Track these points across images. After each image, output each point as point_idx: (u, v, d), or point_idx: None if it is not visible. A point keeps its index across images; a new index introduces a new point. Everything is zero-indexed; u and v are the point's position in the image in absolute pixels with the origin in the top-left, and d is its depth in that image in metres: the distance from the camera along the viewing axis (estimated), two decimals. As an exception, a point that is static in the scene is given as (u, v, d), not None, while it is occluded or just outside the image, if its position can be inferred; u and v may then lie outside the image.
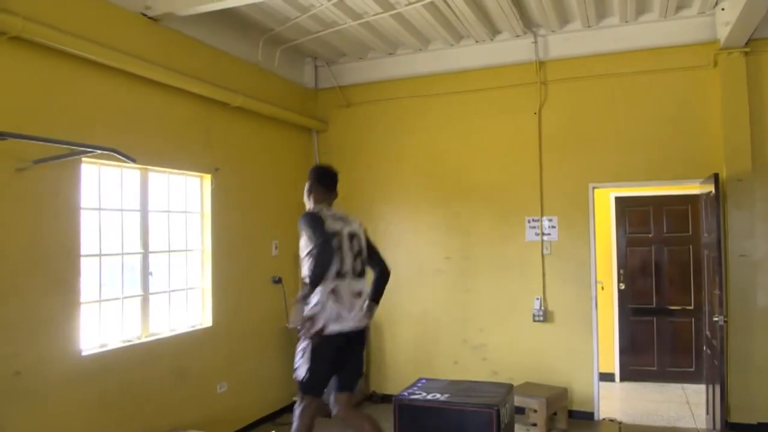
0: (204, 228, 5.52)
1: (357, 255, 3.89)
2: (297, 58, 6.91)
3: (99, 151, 3.85)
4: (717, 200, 4.97)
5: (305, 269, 3.70)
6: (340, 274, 3.75)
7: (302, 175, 6.91)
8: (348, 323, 3.73)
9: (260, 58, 6.13)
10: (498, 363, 6.30)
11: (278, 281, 6.26)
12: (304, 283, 3.63)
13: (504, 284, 6.34)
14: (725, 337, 4.96)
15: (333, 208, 4.02)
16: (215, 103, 5.49)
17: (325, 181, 4.05)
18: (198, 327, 5.37)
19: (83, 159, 4.15)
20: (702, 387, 5.95)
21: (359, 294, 3.84)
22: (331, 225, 3.80)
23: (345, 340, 3.74)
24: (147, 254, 4.91)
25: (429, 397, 4.20)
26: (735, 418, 5.35)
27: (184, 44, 5.21)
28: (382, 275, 4.04)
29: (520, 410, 5.32)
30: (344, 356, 3.80)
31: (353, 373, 3.91)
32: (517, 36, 6.24)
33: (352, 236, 3.91)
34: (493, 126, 6.45)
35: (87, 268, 4.30)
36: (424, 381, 4.75)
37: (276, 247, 6.35)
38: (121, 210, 4.74)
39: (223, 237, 5.62)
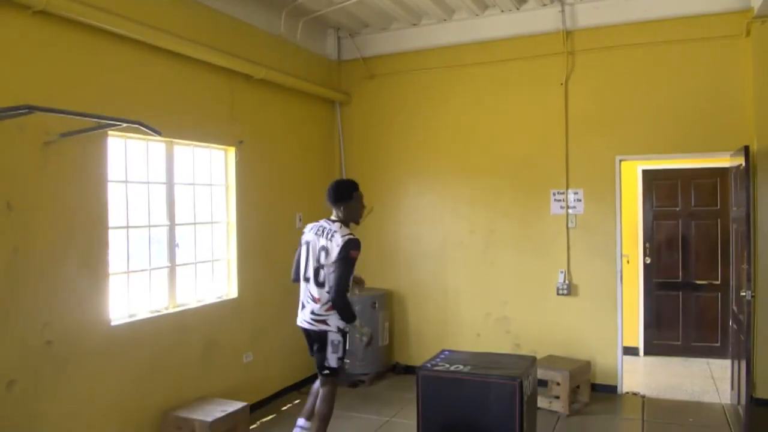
0: (229, 200, 5.56)
1: (320, 267, 4.24)
2: (319, 29, 6.86)
3: (124, 124, 3.87)
4: (747, 173, 4.86)
5: None
6: (303, 278, 4.38)
7: (325, 147, 7.02)
8: (299, 320, 4.40)
9: (283, 30, 6.09)
10: (521, 336, 6.31)
11: (302, 253, 6.30)
12: None
13: (528, 257, 6.32)
14: (752, 312, 4.89)
15: (333, 222, 4.33)
16: (239, 76, 5.49)
17: (329, 196, 4.39)
18: (224, 298, 5.45)
19: (109, 132, 4.18)
20: (727, 362, 5.91)
21: (314, 300, 4.26)
22: (306, 236, 4.41)
23: (306, 332, 4.39)
24: (173, 226, 4.97)
25: (452, 368, 4.22)
26: (760, 393, 5.29)
27: (208, 16, 5.20)
28: (331, 301, 4.19)
29: (543, 383, 5.34)
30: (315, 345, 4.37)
31: (318, 361, 4.35)
32: (544, 5, 6.11)
33: (322, 249, 4.23)
34: (519, 97, 6.37)
35: (115, 240, 4.37)
36: (447, 353, 4.77)
37: (300, 219, 6.38)
38: (147, 183, 4.78)
39: (247, 209, 5.66)
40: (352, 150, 7.16)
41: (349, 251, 4.12)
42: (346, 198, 4.35)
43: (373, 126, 7.05)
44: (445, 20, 6.55)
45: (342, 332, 4.25)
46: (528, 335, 6.28)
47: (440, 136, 6.71)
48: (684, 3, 5.65)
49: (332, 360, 4.25)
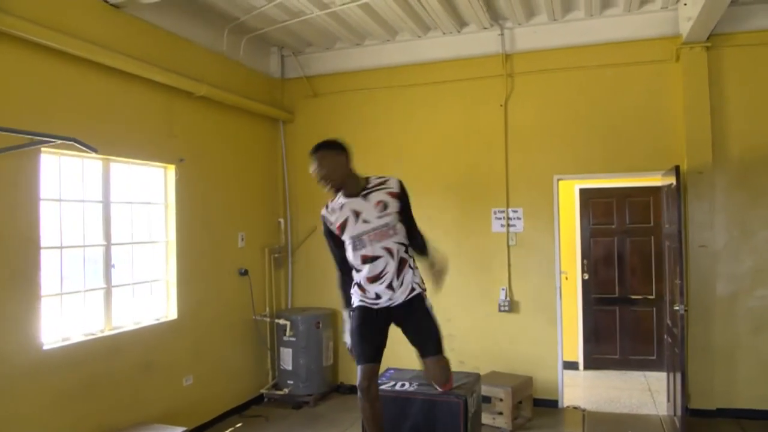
0: (168, 220, 5.43)
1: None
2: (263, 47, 6.82)
3: (58, 141, 3.74)
4: (678, 192, 5.06)
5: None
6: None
7: (268, 165, 6.95)
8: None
9: (225, 48, 6.03)
10: (465, 353, 6.34)
11: (245, 273, 6.22)
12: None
13: (470, 275, 6.38)
14: (685, 325, 5.07)
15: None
16: (179, 93, 5.40)
17: None
18: (163, 320, 5.29)
19: (42, 149, 4.04)
20: (663, 374, 6.08)
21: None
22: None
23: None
24: (109, 246, 4.81)
25: (398, 387, 4.22)
26: (695, 404, 5.49)
27: (148, 32, 5.10)
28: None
29: (487, 399, 5.38)
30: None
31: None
32: (484, 28, 6.25)
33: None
34: (460, 118, 6.46)
35: (47, 261, 4.19)
36: (392, 371, 4.76)
37: (242, 239, 6.29)
38: (83, 201, 4.63)
39: (188, 229, 5.53)
40: (295, 169, 7.11)
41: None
42: None
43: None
44: (388, 41, 6.62)
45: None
46: (471, 352, 6.32)
47: (383, 156, 6.72)
48: (618, 28, 5.88)
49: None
